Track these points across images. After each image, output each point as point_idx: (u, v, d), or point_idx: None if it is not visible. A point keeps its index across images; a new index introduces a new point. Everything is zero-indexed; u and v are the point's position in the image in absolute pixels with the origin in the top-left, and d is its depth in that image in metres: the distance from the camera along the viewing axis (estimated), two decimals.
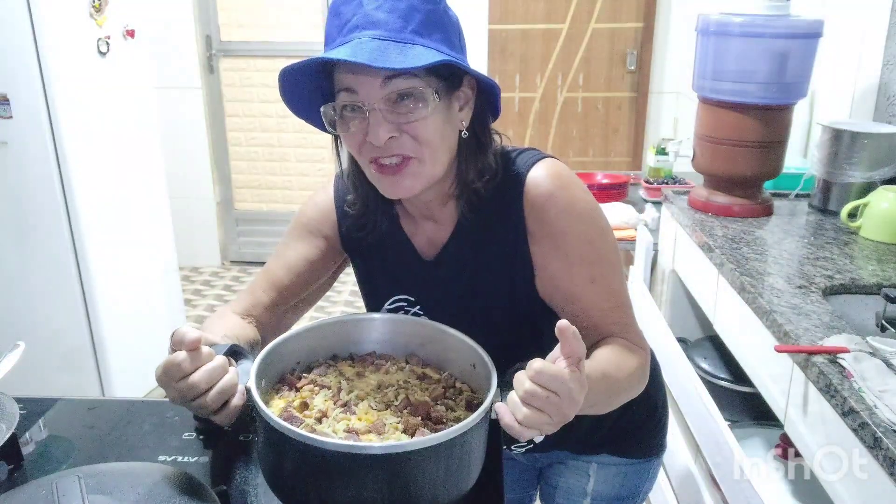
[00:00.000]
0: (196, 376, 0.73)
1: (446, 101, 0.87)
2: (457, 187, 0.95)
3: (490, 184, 0.93)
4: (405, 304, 1.04)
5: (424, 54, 0.81)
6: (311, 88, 0.90)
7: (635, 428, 1.11)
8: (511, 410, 0.70)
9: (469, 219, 0.96)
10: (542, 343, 0.91)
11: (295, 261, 1.05)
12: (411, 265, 1.02)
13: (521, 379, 0.70)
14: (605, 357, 0.88)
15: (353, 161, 0.94)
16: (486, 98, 0.92)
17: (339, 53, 0.79)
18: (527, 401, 0.68)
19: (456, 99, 0.89)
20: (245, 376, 0.77)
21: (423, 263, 1.01)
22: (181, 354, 0.74)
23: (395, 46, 0.81)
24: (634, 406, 0.97)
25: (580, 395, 0.69)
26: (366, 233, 1.01)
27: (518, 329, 0.99)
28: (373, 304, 1.08)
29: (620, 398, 0.91)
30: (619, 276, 0.96)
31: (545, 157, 0.95)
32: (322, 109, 0.88)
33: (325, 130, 0.90)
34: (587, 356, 0.87)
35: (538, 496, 1.25)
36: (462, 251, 0.98)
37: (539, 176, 0.92)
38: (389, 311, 1.04)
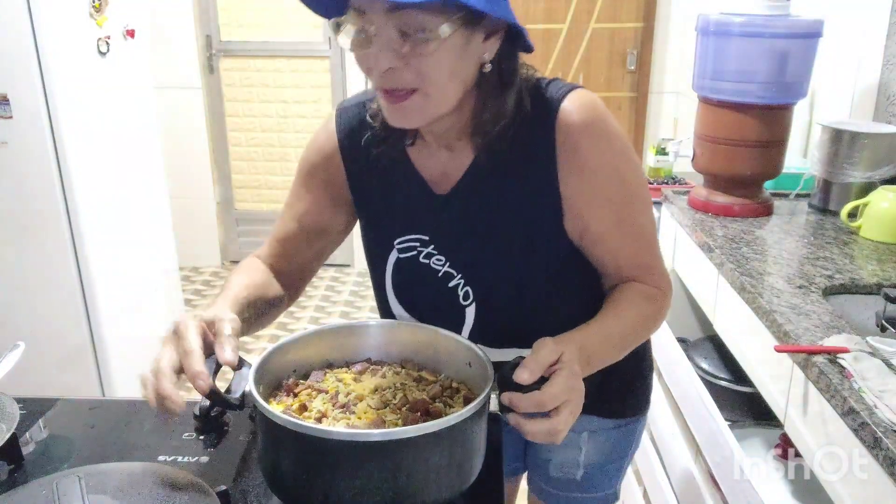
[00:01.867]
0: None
1: (464, 33, 0.79)
2: (472, 126, 0.89)
3: (508, 129, 0.87)
4: (417, 243, 0.98)
5: None
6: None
7: (624, 385, 1.10)
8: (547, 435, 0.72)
9: (489, 154, 0.90)
10: (562, 292, 0.98)
11: (305, 212, 1.02)
12: (422, 200, 0.95)
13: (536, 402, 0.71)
14: (613, 312, 0.90)
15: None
16: (517, 31, 0.82)
17: None
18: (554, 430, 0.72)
19: (481, 27, 0.80)
20: (244, 381, 0.77)
21: (435, 198, 0.95)
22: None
23: None
24: (623, 363, 0.95)
25: (579, 381, 0.74)
26: (387, 147, 0.95)
27: (537, 272, 0.95)
28: (381, 248, 1.01)
29: (631, 345, 0.92)
30: (649, 214, 0.94)
31: (578, 87, 0.89)
32: (329, 23, 0.82)
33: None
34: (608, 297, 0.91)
35: (526, 469, 1.22)
36: (479, 185, 0.92)
37: (574, 105, 0.87)
38: (400, 251, 0.99)
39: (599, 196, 0.89)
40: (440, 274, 0.98)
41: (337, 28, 0.81)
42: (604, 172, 0.88)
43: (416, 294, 1.01)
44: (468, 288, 0.97)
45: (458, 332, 0.95)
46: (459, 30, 0.78)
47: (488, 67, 0.84)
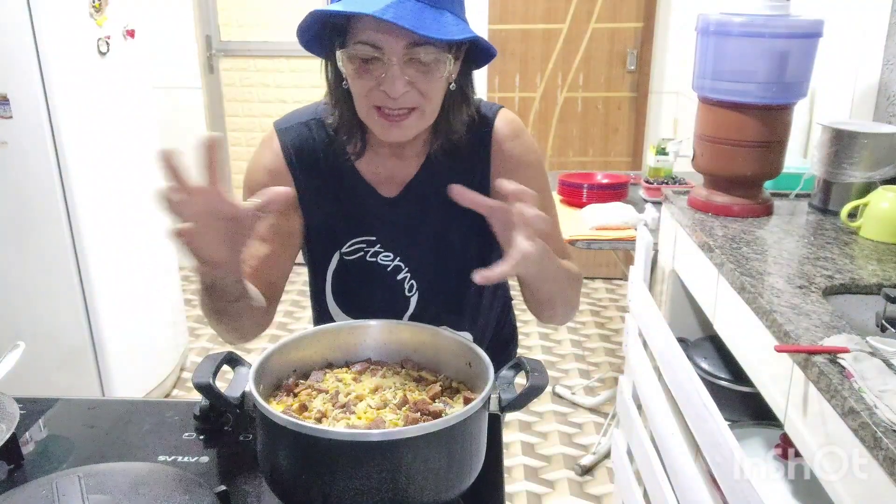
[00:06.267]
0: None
1: (448, 73, 0.94)
2: (433, 132, 1.03)
3: (462, 136, 1.03)
4: (364, 244, 1.09)
5: (456, 26, 0.89)
6: (321, 25, 0.95)
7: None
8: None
9: (439, 157, 1.05)
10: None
11: (265, 228, 1.04)
12: (371, 204, 1.07)
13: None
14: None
15: (338, 90, 0.99)
16: (474, 56, 0.99)
17: (386, 14, 0.83)
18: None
19: (454, 53, 0.95)
20: (244, 381, 0.78)
21: (383, 201, 1.07)
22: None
23: (430, 11, 0.86)
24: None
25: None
26: (340, 159, 1.05)
27: (470, 261, 1.07)
28: (325, 254, 1.10)
29: (564, 284, 1.00)
30: (555, 207, 1.14)
31: (503, 107, 1.10)
32: (339, 55, 0.93)
33: (318, 54, 0.99)
34: None
35: None
36: (427, 187, 1.06)
37: (506, 119, 1.08)
38: (345, 254, 1.09)
39: (531, 187, 1.03)
40: (389, 269, 1.10)
41: (347, 58, 0.92)
42: (532, 169, 1.08)
43: (361, 292, 1.11)
44: (413, 280, 1.10)
45: (400, 319, 1.08)
46: (448, 69, 0.93)
47: (454, 86, 0.98)
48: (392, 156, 1.06)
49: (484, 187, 1.06)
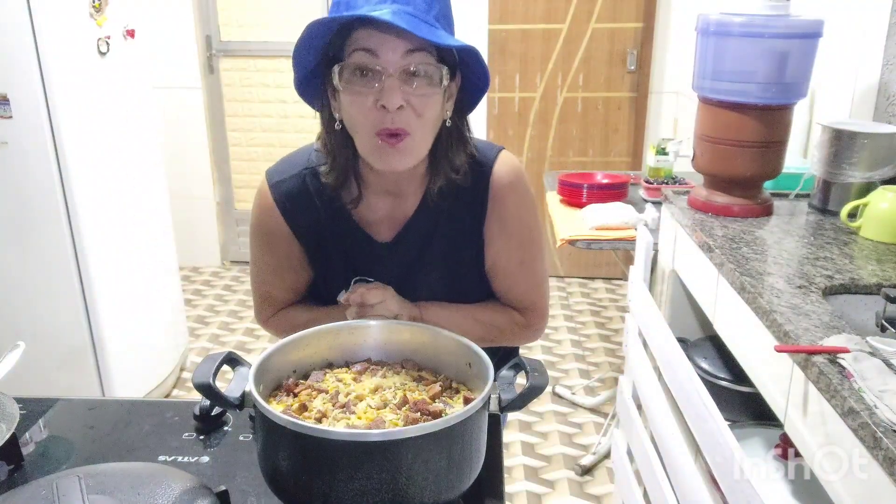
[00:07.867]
0: None
1: (444, 88, 0.94)
2: (431, 171, 1.03)
3: (465, 178, 1.03)
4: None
5: (451, 39, 0.90)
6: (317, 52, 0.95)
7: None
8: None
9: (434, 199, 1.04)
10: None
11: (294, 281, 1.13)
12: (366, 251, 1.07)
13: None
14: (477, 306, 1.10)
15: (332, 135, 1.00)
16: (467, 96, 1.01)
17: (384, 15, 0.84)
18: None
19: (448, 89, 0.96)
20: (243, 381, 0.78)
21: (379, 247, 1.07)
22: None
23: (425, 25, 0.87)
24: None
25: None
26: (334, 206, 1.06)
27: (463, 301, 1.11)
28: (329, 295, 1.10)
29: (470, 327, 1.06)
30: (545, 260, 1.14)
31: (503, 149, 1.09)
32: (335, 68, 0.92)
33: (310, 102, 1.01)
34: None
35: None
36: (424, 228, 1.06)
37: (506, 165, 1.06)
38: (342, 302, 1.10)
39: (513, 239, 1.08)
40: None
41: (342, 73, 0.92)
42: (519, 222, 1.08)
43: None
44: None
45: None
46: (443, 84, 0.92)
47: (449, 122, 0.99)
48: (388, 195, 1.05)
49: (478, 230, 1.07)
